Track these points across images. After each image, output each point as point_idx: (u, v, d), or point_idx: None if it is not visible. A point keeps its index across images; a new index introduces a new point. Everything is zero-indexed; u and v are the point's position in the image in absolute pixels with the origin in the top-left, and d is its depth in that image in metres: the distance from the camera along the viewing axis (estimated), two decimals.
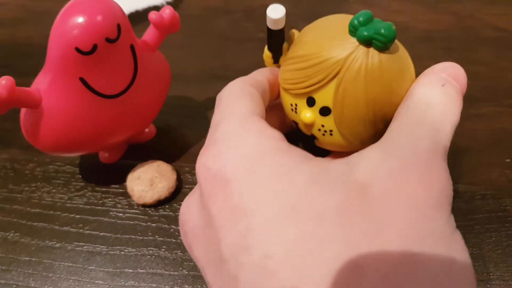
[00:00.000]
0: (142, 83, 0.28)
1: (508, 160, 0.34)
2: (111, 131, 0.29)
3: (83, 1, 0.24)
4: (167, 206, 0.31)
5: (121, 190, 0.32)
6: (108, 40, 0.24)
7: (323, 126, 0.26)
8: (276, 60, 0.31)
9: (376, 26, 0.23)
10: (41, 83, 0.26)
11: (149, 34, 0.29)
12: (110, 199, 0.32)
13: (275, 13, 0.27)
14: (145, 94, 0.29)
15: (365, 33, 0.22)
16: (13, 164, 0.34)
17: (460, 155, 0.34)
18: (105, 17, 0.24)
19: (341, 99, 0.24)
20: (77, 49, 0.23)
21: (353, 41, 0.23)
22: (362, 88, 0.23)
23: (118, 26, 0.24)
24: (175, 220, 0.30)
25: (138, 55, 0.27)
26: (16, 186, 0.33)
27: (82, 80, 0.25)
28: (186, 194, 0.31)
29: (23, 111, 0.27)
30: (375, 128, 0.25)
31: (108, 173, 0.33)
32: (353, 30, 0.23)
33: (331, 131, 0.26)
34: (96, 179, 0.33)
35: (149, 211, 0.31)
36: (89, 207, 0.31)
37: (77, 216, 0.31)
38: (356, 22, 0.23)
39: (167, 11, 0.28)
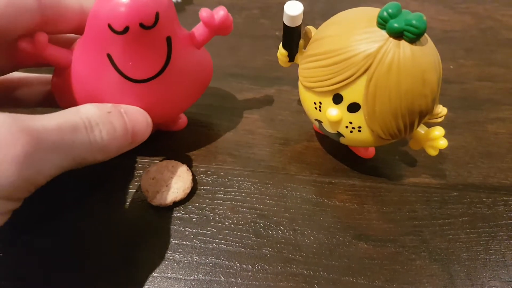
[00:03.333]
0: (174, 75, 0.28)
1: None
2: None
3: None
4: (181, 207, 0.31)
5: (135, 190, 0.32)
6: (143, 26, 0.24)
7: (351, 123, 0.26)
8: (291, 58, 0.31)
9: (406, 17, 0.23)
10: (76, 48, 0.27)
11: (197, 31, 0.29)
12: (124, 199, 0.31)
13: (293, 9, 0.27)
14: (175, 87, 0.29)
15: (396, 25, 0.22)
16: None
17: (481, 160, 0.34)
18: (145, 3, 0.24)
19: (373, 94, 0.24)
20: (110, 26, 0.24)
21: (382, 33, 0.23)
22: (395, 81, 0.23)
23: (157, 15, 0.24)
24: (190, 222, 0.30)
25: (175, 48, 0.27)
26: None
27: (109, 56, 0.25)
28: (201, 196, 0.31)
29: (56, 69, 0.28)
30: (408, 121, 0.25)
31: (123, 171, 0.33)
32: (382, 23, 0.23)
33: (359, 127, 0.26)
34: (111, 177, 0.32)
35: (164, 213, 0.30)
36: (103, 204, 0.31)
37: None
38: (385, 14, 0.23)
39: (221, 13, 0.28)
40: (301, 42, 0.30)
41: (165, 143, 0.34)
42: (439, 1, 0.48)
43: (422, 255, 0.29)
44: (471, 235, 0.30)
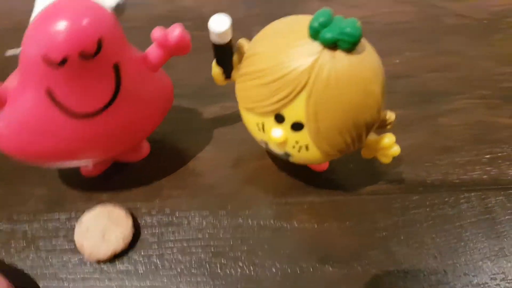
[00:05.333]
0: (128, 104, 0.25)
1: (488, 156, 0.33)
2: (83, 149, 0.26)
3: (67, 3, 0.22)
4: (124, 258, 0.28)
5: (69, 246, 0.29)
6: (83, 55, 0.21)
7: (297, 142, 0.25)
8: (228, 75, 0.29)
9: (339, 25, 0.21)
10: (11, 82, 0.24)
11: (152, 52, 0.26)
12: (58, 258, 0.28)
13: (219, 25, 0.25)
14: (130, 116, 0.26)
15: (329, 35, 0.21)
16: None
17: (439, 157, 0.33)
18: (85, 28, 0.21)
19: (314, 111, 0.22)
20: (45, 58, 0.21)
21: (316, 45, 0.22)
22: (336, 96, 0.22)
23: (99, 41, 0.22)
24: (135, 275, 0.27)
25: (126, 74, 0.24)
26: None
27: (48, 92, 0.23)
28: (146, 242, 0.29)
29: None
30: (354, 134, 0.24)
31: (52, 225, 0.30)
32: (314, 34, 0.22)
33: (306, 146, 0.25)
34: (39, 236, 0.29)
35: (105, 268, 0.28)
36: (34, 272, 0.28)
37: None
38: (316, 24, 0.21)
39: (176, 32, 0.26)
40: (235, 58, 0.28)
41: (97, 184, 0.32)
42: None
43: (390, 270, 0.28)
44: (438, 240, 0.29)
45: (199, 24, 0.43)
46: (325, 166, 0.32)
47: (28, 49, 0.22)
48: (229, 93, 0.38)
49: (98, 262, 0.27)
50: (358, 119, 0.23)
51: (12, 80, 0.24)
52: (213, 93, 0.38)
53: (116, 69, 0.24)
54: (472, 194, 0.31)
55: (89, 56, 0.22)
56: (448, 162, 0.33)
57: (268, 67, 0.23)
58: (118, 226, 0.28)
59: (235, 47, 0.28)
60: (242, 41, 0.28)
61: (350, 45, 0.21)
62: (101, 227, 0.27)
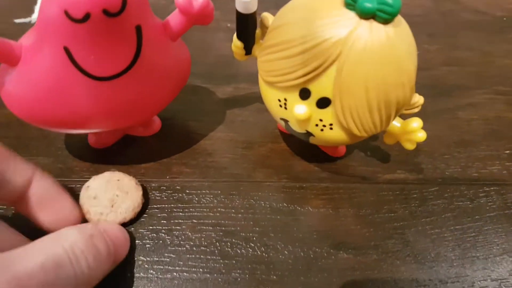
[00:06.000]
0: (144, 72, 0.24)
1: (508, 151, 0.33)
2: (95, 115, 0.25)
3: None
4: (131, 231, 0.27)
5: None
6: (107, 12, 0.20)
7: (321, 120, 0.24)
8: (248, 51, 0.28)
9: None
10: (27, 39, 0.23)
11: (173, 20, 0.25)
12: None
13: None
14: (147, 84, 0.25)
15: (368, 5, 0.20)
16: None
17: (457, 150, 0.33)
18: None
19: (345, 86, 0.21)
20: (66, 13, 0.20)
21: (351, 15, 0.21)
22: (369, 71, 0.21)
23: (124, 0, 0.21)
24: (143, 249, 0.26)
25: (147, 39, 0.23)
26: None
27: (66, 50, 0.21)
28: (154, 216, 0.28)
29: (2, 66, 0.24)
30: (384, 114, 0.23)
31: None
32: (351, 2, 0.21)
33: (331, 125, 0.24)
34: None
35: None
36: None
37: None
38: None
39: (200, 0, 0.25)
40: (258, 31, 0.27)
41: (105, 156, 0.31)
42: None
43: (407, 260, 0.27)
44: (456, 233, 0.28)
45: (214, 3, 0.43)
46: (341, 151, 0.31)
47: (49, 3, 0.21)
48: (242, 74, 0.37)
49: None
50: (390, 97, 0.22)
51: (28, 37, 0.23)
52: (226, 73, 0.37)
53: (139, 31, 0.23)
54: (492, 188, 0.31)
55: (113, 14, 0.21)
56: (467, 156, 0.32)
57: (297, 38, 0.22)
58: (127, 195, 0.27)
59: (259, 21, 0.27)
60: (266, 15, 0.27)
61: (390, 16, 0.20)
62: (110, 196, 0.26)
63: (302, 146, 0.32)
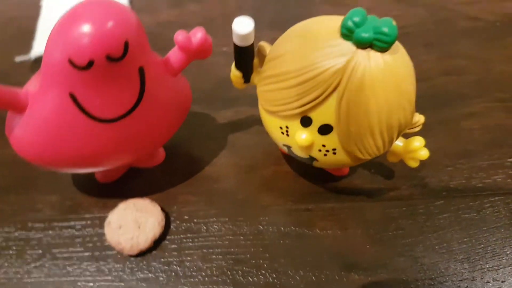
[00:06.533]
0: (148, 110, 0.25)
1: (510, 159, 0.33)
2: (103, 155, 0.25)
3: (91, 5, 0.21)
4: (144, 265, 0.27)
5: (86, 253, 0.28)
6: (110, 58, 0.21)
7: (324, 146, 0.24)
8: (247, 79, 0.28)
9: (374, 25, 0.21)
10: (32, 86, 0.23)
11: (173, 56, 0.26)
12: (75, 266, 0.28)
13: (243, 27, 0.25)
14: (151, 121, 0.26)
15: (365, 35, 0.20)
16: None
17: (460, 161, 0.33)
18: (111, 31, 0.21)
19: (346, 113, 0.22)
20: (71, 62, 0.20)
21: (348, 45, 0.21)
22: (370, 97, 0.21)
23: (126, 44, 0.21)
24: (156, 283, 0.27)
25: (149, 78, 0.24)
26: None
27: (72, 96, 0.22)
28: (165, 248, 0.28)
29: (9, 112, 0.25)
30: (387, 137, 0.23)
31: (68, 232, 0.29)
32: (347, 33, 0.21)
33: (334, 149, 0.24)
34: (55, 243, 0.29)
35: (124, 276, 0.27)
36: (51, 279, 0.27)
37: None
38: (350, 23, 0.21)
39: (198, 35, 0.25)
40: (256, 61, 0.28)
41: (112, 190, 0.31)
42: None
43: (417, 277, 0.27)
44: (465, 245, 0.29)
45: (207, 29, 0.43)
46: (345, 171, 0.32)
47: (53, 52, 0.21)
48: (241, 97, 0.37)
49: (140, 252, 0.27)
50: (391, 120, 0.22)
51: (33, 84, 0.24)
52: (226, 97, 0.37)
53: (141, 72, 0.23)
54: (497, 198, 0.31)
55: (116, 59, 0.21)
56: (470, 166, 0.33)
57: (296, 69, 0.22)
58: (148, 213, 0.28)
59: (256, 50, 0.28)
60: (264, 44, 0.28)
61: (387, 45, 0.21)
62: (133, 219, 0.27)
63: (305, 167, 0.32)
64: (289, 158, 0.33)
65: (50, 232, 0.29)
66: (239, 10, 0.45)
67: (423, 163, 0.32)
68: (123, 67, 0.22)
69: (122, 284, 0.27)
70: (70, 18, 0.21)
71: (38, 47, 0.40)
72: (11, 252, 0.28)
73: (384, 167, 0.32)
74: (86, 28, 0.20)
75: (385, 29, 0.20)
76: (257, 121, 0.35)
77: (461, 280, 0.27)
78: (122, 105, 0.23)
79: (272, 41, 0.40)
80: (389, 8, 0.46)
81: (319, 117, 0.23)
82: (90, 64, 0.21)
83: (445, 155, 0.33)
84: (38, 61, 0.39)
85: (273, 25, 0.43)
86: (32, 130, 0.24)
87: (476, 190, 0.31)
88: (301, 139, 0.24)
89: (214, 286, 0.27)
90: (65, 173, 0.32)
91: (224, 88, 0.38)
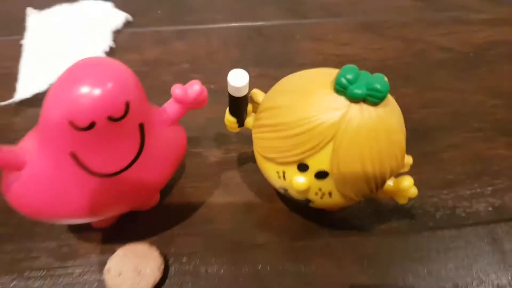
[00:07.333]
0: (147, 161, 0.25)
1: (490, 188, 0.35)
2: (102, 207, 0.26)
3: (90, 66, 0.22)
4: None
5: None
6: (112, 119, 0.22)
7: (320, 189, 0.26)
8: (241, 124, 0.30)
9: (367, 81, 0.22)
10: (29, 143, 0.24)
11: (170, 108, 0.27)
12: None
13: (238, 80, 0.26)
14: (149, 172, 0.26)
15: (358, 92, 0.22)
16: None
17: (445, 191, 0.35)
18: (112, 93, 0.21)
19: (341, 161, 0.23)
20: (72, 123, 0.21)
21: (342, 99, 0.23)
22: (363, 146, 0.23)
23: (127, 105, 0.22)
24: None
25: (148, 132, 0.24)
26: None
27: (73, 155, 0.22)
28: (173, 287, 0.29)
29: (5, 171, 0.25)
30: (380, 180, 0.25)
31: (66, 280, 0.29)
32: (341, 89, 0.23)
33: (330, 193, 0.26)
34: None
35: None
36: None
37: None
38: (344, 80, 0.22)
39: (195, 88, 0.27)
40: (249, 107, 0.29)
41: (108, 235, 0.31)
42: (368, 28, 0.50)
43: None
44: (451, 273, 0.30)
45: (193, 66, 0.45)
46: (337, 207, 0.33)
47: (52, 114, 0.22)
48: (231, 134, 0.39)
49: None
50: (384, 167, 0.24)
51: (29, 141, 0.24)
52: (215, 136, 0.38)
53: (141, 128, 0.24)
54: (479, 227, 0.33)
55: (117, 119, 0.22)
56: (454, 196, 0.35)
57: (292, 121, 0.24)
58: (147, 258, 0.28)
59: (249, 97, 0.29)
60: (256, 91, 0.29)
61: (379, 100, 0.22)
62: (133, 266, 0.28)
63: (298, 203, 0.33)
64: (282, 195, 0.34)
65: (48, 280, 0.29)
66: (224, 48, 0.46)
67: None
68: (123, 125, 0.23)
69: None
70: (69, 79, 0.21)
71: (22, 90, 0.40)
72: None
73: (373, 202, 0.34)
74: (86, 90, 0.21)
75: (378, 86, 0.22)
76: (248, 158, 0.37)
77: None
78: (122, 160, 0.24)
79: (257, 77, 0.42)
80: (368, 42, 0.48)
81: (316, 164, 0.24)
82: (92, 125, 0.21)
83: (429, 187, 0.35)
84: (22, 103, 0.39)
85: (257, 61, 0.44)
86: (31, 188, 0.24)
87: (461, 219, 0.33)
88: (298, 183, 0.26)
89: None
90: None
91: (213, 126, 0.39)
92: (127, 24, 0.48)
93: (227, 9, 0.51)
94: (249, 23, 0.49)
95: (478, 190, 0.35)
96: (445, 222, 0.33)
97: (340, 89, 0.23)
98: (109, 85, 0.21)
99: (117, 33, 0.47)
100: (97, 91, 0.21)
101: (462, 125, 0.40)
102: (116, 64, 0.23)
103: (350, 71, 0.22)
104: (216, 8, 0.51)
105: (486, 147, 0.38)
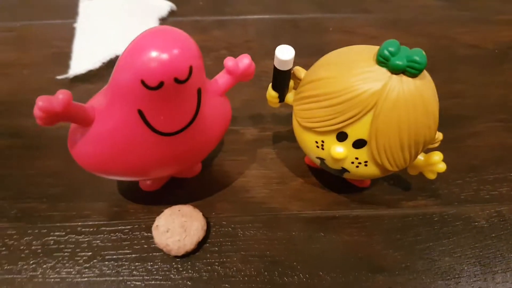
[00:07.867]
0: (200, 125, 0.28)
1: None
2: (158, 165, 0.28)
3: (161, 34, 0.24)
4: (189, 266, 0.30)
5: (134, 255, 0.31)
6: (177, 80, 0.24)
7: (357, 158, 0.28)
8: (282, 99, 0.32)
9: (407, 54, 0.25)
10: (98, 103, 0.26)
11: (221, 79, 0.30)
12: (124, 267, 0.30)
13: (285, 54, 0.29)
14: (200, 137, 0.29)
15: (399, 63, 0.24)
16: (3, 239, 0.32)
17: (469, 175, 0.37)
18: (179, 57, 0.24)
19: (379, 130, 0.25)
20: (143, 82, 0.23)
21: (383, 71, 0.25)
22: (402, 116, 0.25)
23: (190, 68, 0.24)
24: (200, 281, 0.30)
25: (203, 98, 0.27)
26: (13, 265, 0.30)
27: (140, 112, 0.25)
28: (207, 250, 0.31)
29: (73, 126, 0.27)
30: (414, 151, 0.27)
31: (116, 236, 0.32)
32: (383, 61, 0.25)
33: (366, 162, 0.28)
34: (104, 246, 0.31)
35: (171, 275, 0.30)
36: (102, 279, 0.30)
37: None
38: (386, 52, 0.25)
39: (245, 61, 0.29)
40: (291, 83, 0.31)
41: (155, 198, 0.34)
42: (395, 24, 0.52)
43: (435, 277, 0.30)
44: (476, 250, 0.32)
45: (232, 52, 0.47)
46: (367, 182, 0.35)
47: (125, 73, 0.24)
48: (265, 115, 0.41)
49: (186, 254, 0.30)
50: (419, 137, 0.26)
51: (98, 100, 0.27)
52: (251, 116, 0.41)
53: (199, 93, 0.26)
54: (503, 208, 0.35)
55: (182, 81, 0.24)
56: (478, 180, 0.36)
57: (336, 91, 0.26)
58: (192, 218, 0.31)
59: (292, 73, 0.31)
60: (299, 68, 0.31)
61: (418, 72, 0.24)
62: (180, 224, 0.30)
63: (330, 179, 0.35)
64: (315, 170, 0.36)
65: (99, 235, 0.32)
66: (259, 37, 0.49)
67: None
68: (186, 88, 0.25)
69: (169, 282, 0.30)
70: (141, 45, 0.24)
71: (75, 66, 0.43)
72: (63, 254, 0.31)
73: (402, 180, 0.36)
74: (157, 54, 0.23)
75: (417, 58, 0.24)
76: (282, 137, 0.39)
77: (474, 281, 0.30)
78: (181, 120, 0.27)
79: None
80: (395, 37, 0.50)
81: (355, 132, 0.27)
82: (160, 85, 0.24)
83: (454, 170, 0.37)
84: (75, 79, 0.42)
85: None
86: (99, 143, 0.27)
87: (484, 201, 0.35)
88: (337, 152, 0.28)
89: (253, 285, 0.30)
90: (109, 182, 0.34)
91: (249, 107, 0.41)
92: (171, 12, 0.51)
93: (263, 2, 0.54)
94: (283, 15, 0.52)
95: (502, 175, 0.37)
96: (469, 202, 0.35)
97: (383, 60, 0.25)
98: (176, 50, 0.24)
99: (162, 21, 0.50)
100: (165, 55, 0.23)
101: (485, 115, 0.42)
102: (181, 32, 0.25)
103: (392, 45, 0.25)
104: (253, 1, 0.54)
105: (508, 136, 0.40)
